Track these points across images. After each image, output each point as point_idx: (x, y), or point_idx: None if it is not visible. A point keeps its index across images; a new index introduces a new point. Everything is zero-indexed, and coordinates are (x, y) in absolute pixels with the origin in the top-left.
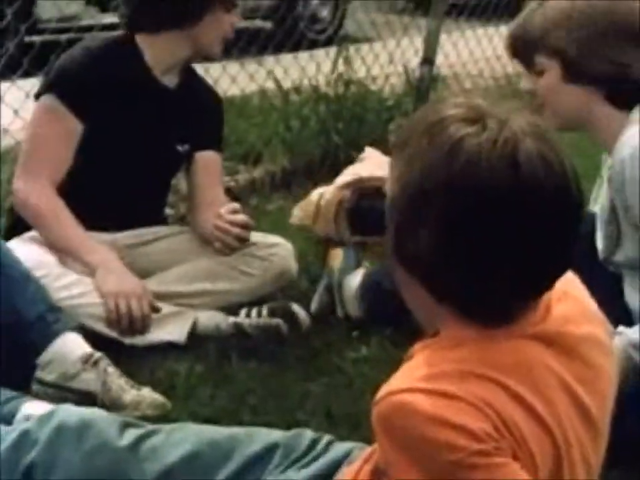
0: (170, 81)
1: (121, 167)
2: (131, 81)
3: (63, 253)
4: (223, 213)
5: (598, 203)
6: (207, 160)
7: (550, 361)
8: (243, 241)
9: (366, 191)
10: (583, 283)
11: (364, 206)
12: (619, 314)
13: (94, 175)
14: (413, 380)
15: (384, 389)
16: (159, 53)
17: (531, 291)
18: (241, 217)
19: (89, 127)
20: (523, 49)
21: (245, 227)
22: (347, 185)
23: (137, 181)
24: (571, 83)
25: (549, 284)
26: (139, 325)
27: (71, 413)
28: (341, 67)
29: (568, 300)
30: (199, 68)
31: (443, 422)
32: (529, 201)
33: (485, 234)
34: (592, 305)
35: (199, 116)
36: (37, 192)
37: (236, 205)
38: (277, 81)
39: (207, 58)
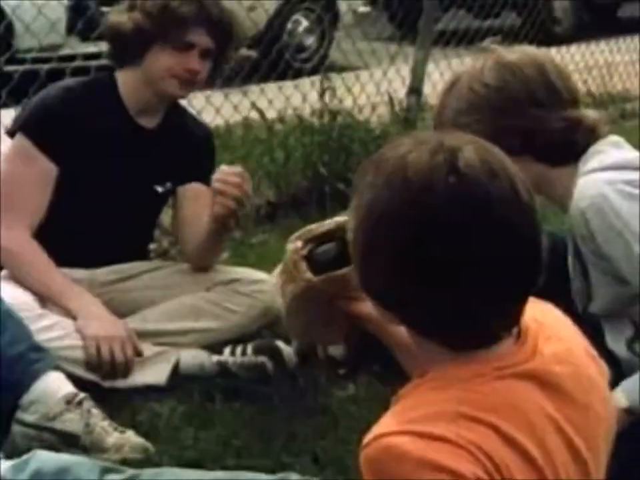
0: (148, 121)
1: (97, 206)
2: (106, 122)
3: (44, 297)
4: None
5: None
6: (196, 191)
7: (541, 401)
8: (241, 203)
9: (316, 238)
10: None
11: (317, 250)
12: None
13: (70, 213)
14: (402, 422)
15: (372, 432)
16: (129, 92)
17: (503, 303)
18: (234, 179)
19: (63, 168)
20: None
21: (240, 187)
22: (297, 237)
23: (114, 220)
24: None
25: (520, 295)
26: (121, 370)
27: (47, 459)
28: (327, 96)
29: (556, 339)
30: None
31: (434, 465)
32: (474, 208)
33: (435, 248)
34: (582, 343)
35: (185, 154)
36: (14, 239)
37: (236, 169)
38: (261, 111)
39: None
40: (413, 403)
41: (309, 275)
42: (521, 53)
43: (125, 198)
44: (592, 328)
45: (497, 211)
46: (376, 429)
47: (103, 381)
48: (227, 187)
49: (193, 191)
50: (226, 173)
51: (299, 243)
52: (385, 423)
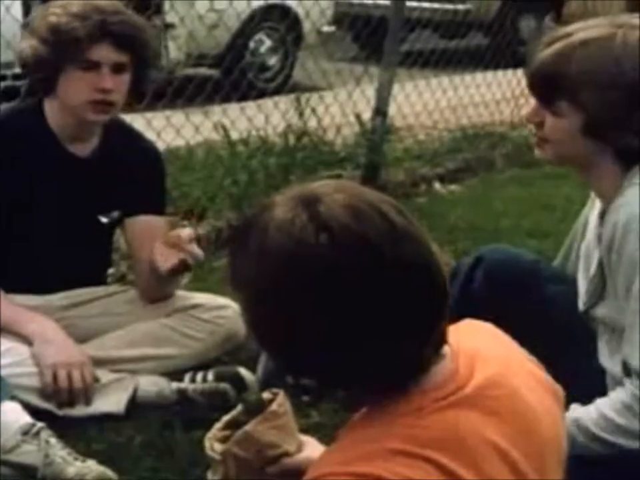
0: (80, 149)
1: (41, 235)
2: (35, 151)
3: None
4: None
5: (578, 256)
6: (141, 227)
7: (482, 428)
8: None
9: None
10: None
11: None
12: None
13: (17, 241)
14: (337, 463)
15: (309, 473)
16: (55, 120)
17: (416, 333)
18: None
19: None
20: (546, 86)
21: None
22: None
23: (62, 249)
24: (587, 137)
25: (430, 320)
26: (80, 397)
27: None
28: (292, 117)
29: (494, 362)
30: (140, 119)
31: None
32: (354, 258)
33: (332, 308)
34: (524, 364)
35: (129, 180)
36: None
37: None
38: (225, 130)
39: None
40: (349, 442)
41: (219, 447)
42: None
43: (67, 228)
44: (580, 337)
45: (378, 249)
46: (312, 470)
47: (59, 409)
48: (182, 245)
49: (138, 227)
50: (179, 231)
51: (213, 439)
52: (322, 462)
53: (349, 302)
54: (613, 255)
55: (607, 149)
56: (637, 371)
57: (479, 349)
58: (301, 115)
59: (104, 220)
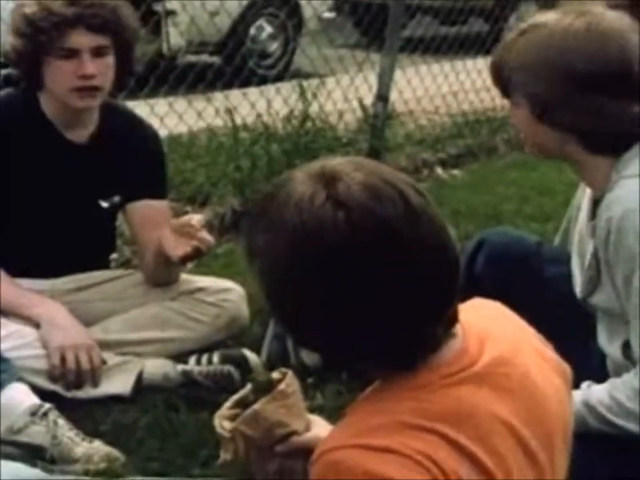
0: (77, 136)
1: (43, 220)
2: (31, 139)
3: (4, 310)
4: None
5: (572, 243)
6: (144, 212)
7: (491, 405)
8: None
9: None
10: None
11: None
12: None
13: (20, 226)
14: (347, 437)
15: (319, 448)
16: (49, 109)
17: (431, 312)
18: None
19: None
20: (499, 80)
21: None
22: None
23: (64, 233)
24: (544, 124)
25: (445, 299)
26: (87, 379)
27: (3, 471)
28: (293, 103)
29: (504, 340)
30: (143, 105)
31: (378, 478)
32: (372, 236)
33: (349, 285)
34: (532, 342)
35: (129, 165)
36: None
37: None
38: (231, 114)
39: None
40: (360, 415)
41: (228, 425)
42: (612, 18)
43: (68, 213)
44: (581, 320)
45: (395, 230)
46: (322, 445)
47: (66, 391)
48: (193, 231)
49: (138, 213)
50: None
51: (222, 417)
52: (332, 437)
53: (363, 279)
54: (610, 249)
55: (569, 136)
56: None
57: (489, 327)
58: (305, 99)
59: (104, 204)
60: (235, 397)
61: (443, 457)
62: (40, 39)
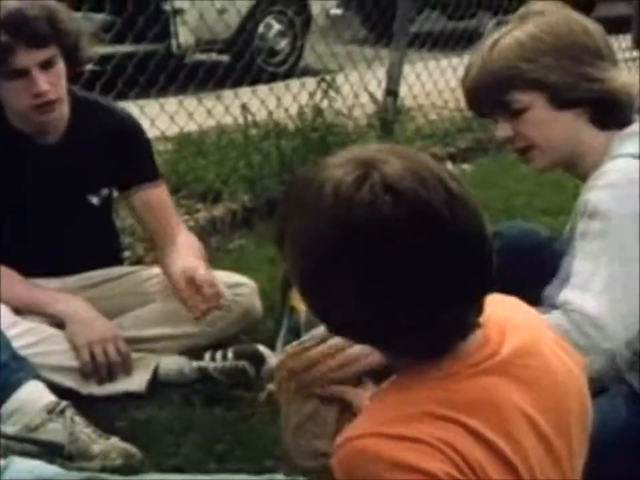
0: (47, 137)
1: (36, 223)
2: (1, 146)
3: (27, 310)
4: (198, 282)
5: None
6: (143, 198)
7: (513, 396)
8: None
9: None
10: None
11: None
12: None
13: (17, 230)
14: (372, 424)
15: (343, 435)
16: (13, 119)
17: (464, 302)
18: (211, 291)
19: None
20: (492, 96)
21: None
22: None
23: (61, 233)
24: (558, 109)
25: (477, 290)
26: (118, 370)
27: (23, 470)
28: (303, 99)
29: (524, 331)
30: (154, 104)
31: (405, 466)
32: (417, 219)
33: (389, 266)
34: (551, 334)
35: (109, 156)
36: None
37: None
38: (245, 110)
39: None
40: (385, 404)
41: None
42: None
43: (58, 213)
44: None
45: (438, 214)
46: (347, 432)
47: (99, 385)
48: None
49: (140, 200)
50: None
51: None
52: (357, 425)
53: (408, 262)
54: (580, 219)
55: (582, 114)
56: (593, 315)
57: (508, 318)
58: (326, 94)
59: (94, 200)
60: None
61: (467, 448)
62: None
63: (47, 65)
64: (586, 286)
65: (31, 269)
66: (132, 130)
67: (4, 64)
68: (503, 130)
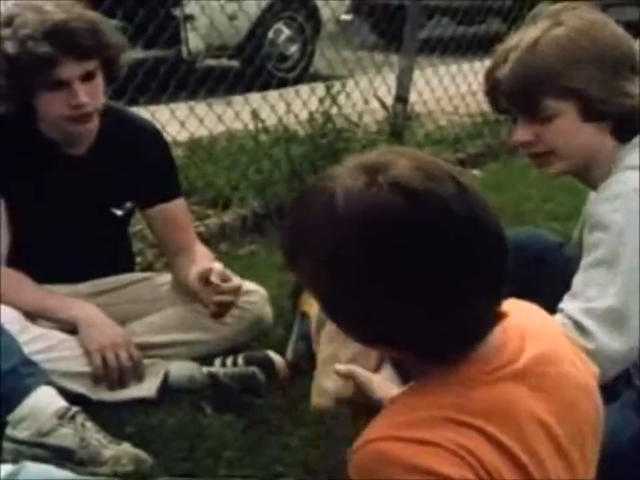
0: (76, 149)
1: (57, 231)
2: (31, 156)
3: (39, 316)
4: (213, 279)
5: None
6: (164, 213)
7: (530, 404)
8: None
9: None
10: None
11: None
12: None
13: (36, 237)
14: (391, 428)
15: (362, 438)
16: (44, 127)
17: (479, 301)
18: (228, 285)
19: (7, 199)
20: (523, 96)
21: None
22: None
23: (80, 241)
24: (587, 121)
25: (494, 290)
26: (129, 375)
27: (36, 473)
28: (313, 105)
29: (542, 339)
30: (164, 109)
31: (423, 470)
32: (430, 217)
33: (404, 269)
34: (568, 343)
35: (134, 170)
36: None
37: (222, 271)
38: (256, 116)
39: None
40: (402, 408)
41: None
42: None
43: (81, 223)
44: None
45: (453, 209)
46: (365, 435)
47: (111, 390)
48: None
49: (160, 215)
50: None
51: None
52: (375, 428)
53: (426, 261)
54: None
55: (606, 127)
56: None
57: (527, 324)
58: (334, 101)
59: (118, 212)
60: None
61: (484, 453)
62: (27, 77)
63: (87, 77)
64: (581, 294)
65: (45, 275)
66: (156, 144)
67: (46, 75)
68: (522, 133)
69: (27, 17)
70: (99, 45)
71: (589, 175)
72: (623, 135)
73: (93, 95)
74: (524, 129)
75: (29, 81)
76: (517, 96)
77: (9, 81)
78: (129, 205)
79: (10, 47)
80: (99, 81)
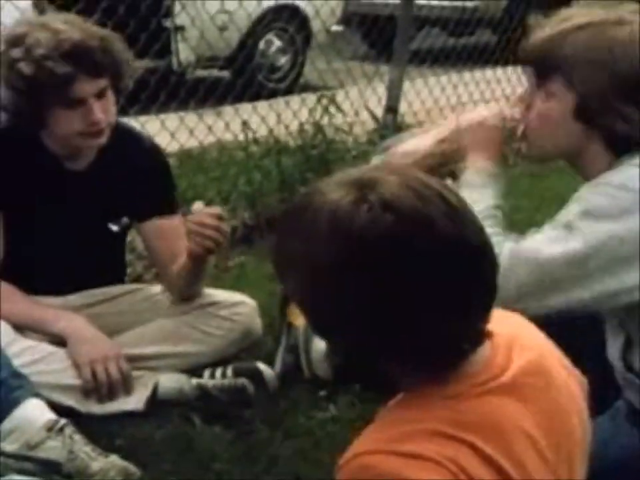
0: (77, 164)
1: (53, 246)
2: (32, 168)
3: (28, 328)
4: (194, 208)
5: None
6: (160, 227)
7: (518, 417)
8: (218, 243)
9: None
10: None
11: None
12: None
13: (30, 250)
14: (378, 441)
15: (348, 451)
16: (49, 141)
17: (467, 316)
18: (211, 222)
19: (4, 210)
20: (542, 63)
21: (217, 229)
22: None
23: (75, 255)
24: (577, 121)
25: (482, 304)
26: (119, 388)
27: None
28: (304, 116)
29: (529, 349)
30: (155, 120)
31: None
32: (418, 237)
33: (391, 286)
34: (555, 352)
35: (132, 186)
36: None
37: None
38: (246, 127)
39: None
40: (390, 421)
41: None
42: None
43: (78, 238)
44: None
45: (441, 228)
46: (351, 449)
47: (100, 403)
48: (204, 229)
49: (153, 230)
50: (202, 214)
51: None
52: (362, 441)
53: (414, 278)
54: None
55: (594, 134)
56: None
57: (515, 336)
58: (327, 111)
59: (115, 228)
60: None
61: (474, 467)
62: (41, 97)
63: (101, 94)
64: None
65: (38, 287)
66: (155, 159)
67: (63, 93)
68: (527, 93)
69: (39, 35)
70: (112, 63)
71: (578, 168)
72: (616, 150)
73: (106, 111)
74: (530, 90)
75: (44, 99)
76: (536, 60)
77: (23, 99)
78: (125, 219)
79: (25, 67)
80: (111, 97)
